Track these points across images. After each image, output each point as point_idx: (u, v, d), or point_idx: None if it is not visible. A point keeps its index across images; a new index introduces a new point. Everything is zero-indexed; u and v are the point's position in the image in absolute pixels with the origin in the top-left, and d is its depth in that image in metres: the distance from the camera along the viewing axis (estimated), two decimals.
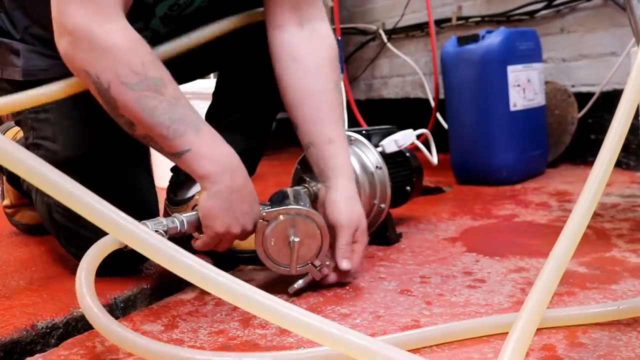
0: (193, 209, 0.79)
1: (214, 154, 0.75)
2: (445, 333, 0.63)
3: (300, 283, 0.83)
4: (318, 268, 0.83)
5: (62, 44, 0.72)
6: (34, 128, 0.90)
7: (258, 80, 1.04)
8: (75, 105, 0.90)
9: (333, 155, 0.85)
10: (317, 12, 0.88)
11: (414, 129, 1.15)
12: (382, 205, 1.02)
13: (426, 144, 1.20)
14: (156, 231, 0.73)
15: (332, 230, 0.83)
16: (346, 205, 0.83)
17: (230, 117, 1.02)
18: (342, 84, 0.97)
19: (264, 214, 0.81)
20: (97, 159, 0.89)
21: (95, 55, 0.70)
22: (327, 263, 0.84)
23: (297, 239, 0.80)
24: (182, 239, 1.01)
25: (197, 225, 0.78)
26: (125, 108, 0.71)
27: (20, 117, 0.93)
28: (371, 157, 1.02)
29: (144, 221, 0.73)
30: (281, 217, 0.81)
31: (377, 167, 1.02)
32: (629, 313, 0.64)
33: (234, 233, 0.77)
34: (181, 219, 0.76)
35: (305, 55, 0.86)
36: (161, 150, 0.75)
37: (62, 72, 0.84)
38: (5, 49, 0.90)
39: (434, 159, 1.18)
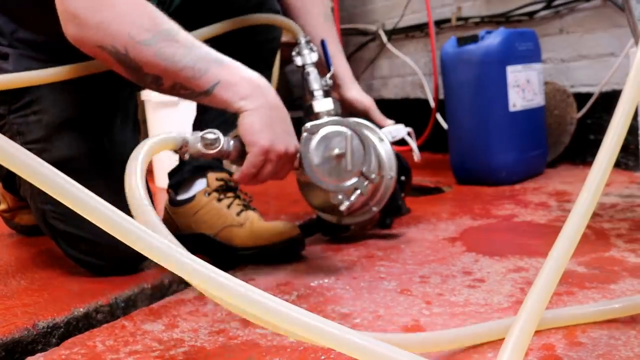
0: (235, 137, 0.80)
1: (242, 78, 0.77)
2: (445, 339, 0.63)
3: (352, 199, 0.84)
4: (366, 184, 0.84)
5: (70, 29, 0.74)
6: (21, 132, 0.89)
7: None
8: (67, 106, 0.90)
9: (335, 64, 1.06)
10: None
11: (413, 129, 1.17)
12: (392, 174, 1.03)
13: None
14: (204, 143, 0.75)
15: (360, 114, 1.09)
16: (363, 95, 1.12)
17: (220, 118, 1.03)
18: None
19: (309, 127, 0.82)
20: (94, 158, 0.90)
21: (103, 28, 0.73)
22: (373, 176, 0.85)
23: (344, 150, 0.82)
24: (188, 241, 1.01)
25: (241, 150, 0.79)
26: (147, 65, 0.74)
27: (1, 123, 0.92)
28: (375, 133, 1.05)
29: (194, 132, 0.75)
30: (326, 128, 0.82)
31: (380, 139, 1.04)
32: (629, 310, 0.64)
33: (278, 150, 0.78)
34: (226, 138, 0.78)
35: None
36: (192, 95, 0.77)
37: None
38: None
39: (416, 153, 1.19)
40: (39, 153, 0.87)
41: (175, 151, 0.73)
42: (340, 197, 0.87)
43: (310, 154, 0.82)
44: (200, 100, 0.79)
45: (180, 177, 1.08)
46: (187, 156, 0.75)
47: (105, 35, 0.73)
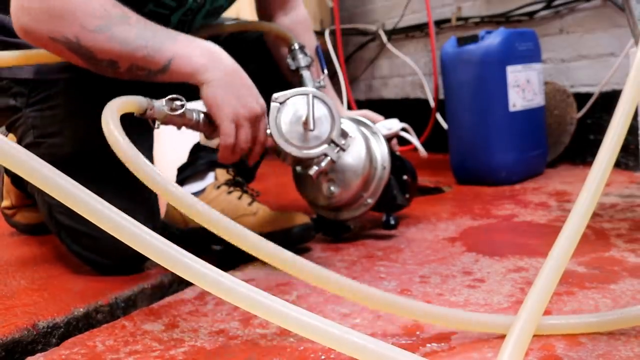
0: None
1: (195, 50, 0.78)
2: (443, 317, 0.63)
3: (322, 165, 0.86)
4: (336, 150, 0.86)
5: (21, 21, 0.75)
6: (36, 126, 0.90)
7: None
8: (83, 101, 0.90)
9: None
10: (296, 2, 1.14)
11: (413, 129, 1.19)
12: (384, 165, 1.05)
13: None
14: (170, 107, 0.77)
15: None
16: (353, 112, 1.15)
17: None
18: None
19: (276, 96, 0.85)
20: (103, 154, 0.90)
21: (55, 20, 0.74)
22: (343, 142, 0.87)
23: (311, 115, 0.84)
24: (198, 239, 1.03)
25: (210, 122, 0.81)
26: (102, 51, 0.75)
27: (16, 117, 0.92)
28: (368, 127, 1.08)
29: (166, 99, 0.77)
30: (293, 97, 0.84)
31: (373, 132, 1.07)
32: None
33: (245, 114, 0.80)
34: (197, 109, 0.80)
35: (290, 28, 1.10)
36: (149, 74, 0.78)
37: (72, 72, 0.85)
38: (10, 49, 0.90)
39: (420, 149, 1.21)
40: (51, 147, 0.89)
41: (142, 114, 0.75)
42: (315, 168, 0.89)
43: (278, 121, 0.84)
44: (158, 79, 0.79)
45: (193, 170, 1.10)
46: (156, 125, 0.77)
47: (57, 26, 0.74)
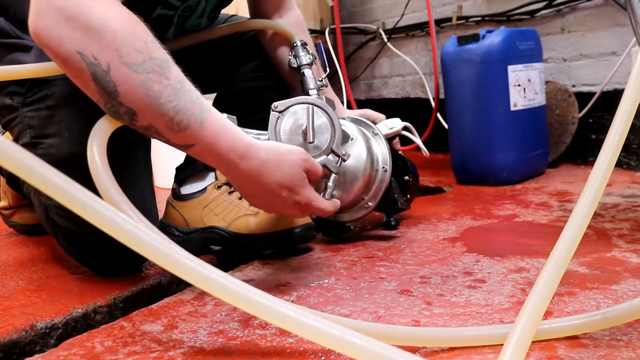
0: None
1: (214, 151, 0.73)
2: (444, 337, 0.63)
3: (330, 185, 0.86)
4: (337, 162, 0.86)
5: (45, 23, 0.64)
6: (33, 126, 0.89)
7: (254, 100, 1.06)
8: (82, 102, 0.89)
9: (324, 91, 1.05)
10: (291, 4, 1.13)
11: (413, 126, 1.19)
12: (385, 167, 1.04)
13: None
14: None
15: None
16: (353, 111, 1.16)
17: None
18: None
19: (276, 105, 0.84)
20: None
21: (90, 33, 0.63)
22: (344, 153, 0.86)
23: (310, 127, 0.83)
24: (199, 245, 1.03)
25: None
26: (127, 94, 0.66)
27: (12, 116, 0.91)
28: (369, 128, 1.08)
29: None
30: (293, 107, 0.83)
31: (374, 133, 1.07)
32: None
33: (271, 212, 0.81)
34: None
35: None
36: (167, 142, 0.73)
37: None
38: (14, 49, 0.89)
39: (423, 149, 1.22)
40: (49, 148, 0.88)
41: None
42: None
43: (277, 129, 0.83)
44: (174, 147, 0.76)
45: (193, 170, 1.09)
46: None
47: (89, 43, 0.64)
